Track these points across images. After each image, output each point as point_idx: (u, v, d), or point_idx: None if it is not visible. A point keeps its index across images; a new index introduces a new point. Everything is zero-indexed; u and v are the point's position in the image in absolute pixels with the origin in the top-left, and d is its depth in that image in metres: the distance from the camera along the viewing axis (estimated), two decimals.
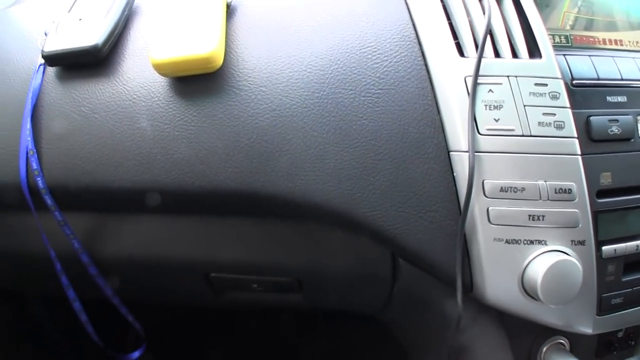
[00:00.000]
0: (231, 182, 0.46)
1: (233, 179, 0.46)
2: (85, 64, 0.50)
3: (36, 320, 0.80)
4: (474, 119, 0.44)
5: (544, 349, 0.53)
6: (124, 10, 0.52)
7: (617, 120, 0.47)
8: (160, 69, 0.46)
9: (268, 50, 0.48)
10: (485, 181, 0.44)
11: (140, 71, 0.50)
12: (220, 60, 0.47)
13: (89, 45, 0.47)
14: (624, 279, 0.49)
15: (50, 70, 0.53)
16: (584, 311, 0.49)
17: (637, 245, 0.49)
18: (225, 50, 0.48)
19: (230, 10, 0.51)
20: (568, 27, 0.52)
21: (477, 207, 0.45)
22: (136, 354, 0.59)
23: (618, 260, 0.49)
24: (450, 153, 0.45)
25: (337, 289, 0.56)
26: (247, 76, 0.47)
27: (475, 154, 0.44)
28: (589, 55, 0.49)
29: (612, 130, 0.47)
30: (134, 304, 0.59)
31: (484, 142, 0.44)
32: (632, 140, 0.48)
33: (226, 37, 0.49)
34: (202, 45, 0.46)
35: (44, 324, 0.81)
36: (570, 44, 0.52)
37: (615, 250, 0.48)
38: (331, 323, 0.91)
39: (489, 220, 0.45)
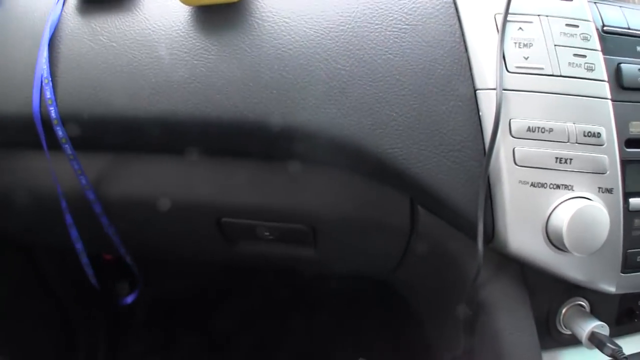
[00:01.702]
0: (249, 113, 0.45)
1: (251, 109, 0.45)
2: None
3: (44, 273, 0.79)
4: (502, 57, 0.43)
5: (564, 310, 0.51)
6: None
7: None
8: None
9: None
10: (512, 120, 0.43)
11: (162, 1, 0.49)
12: None
13: None
14: None
15: (71, 2, 0.52)
16: (609, 267, 0.47)
17: None
18: None
19: None
20: None
21: (503, 147, 0.43)
22: (131, 298, 0.57)
23: None
24: (477, 91, 0.44)
25: (351, 241, 0.54)
26: (272, 7, 0.47)
27: (503, 92, 0.43)
28: (620, 6, 0.48)
29: None
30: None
31: (512, 80, 0.43)
32: None
33: None
34: None
35: (51, 277, 0.79)
36: None
37: None
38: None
39: (514, 162, 0.43)
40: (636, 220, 0.46)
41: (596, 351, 0.47)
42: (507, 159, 0.43)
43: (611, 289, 0.48)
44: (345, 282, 0.83)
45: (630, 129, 0.45)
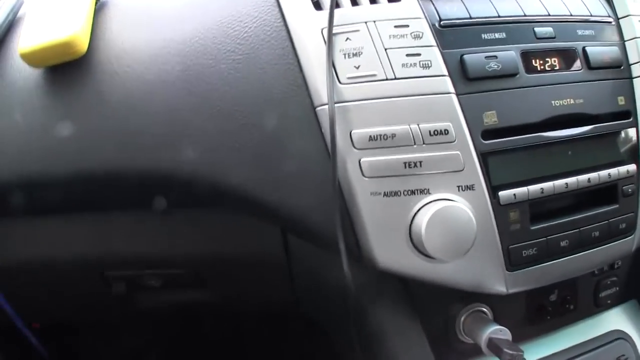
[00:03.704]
0: (97, 165, 0.45)
1: (100, 161, 0.45)
2: None
3: None
4: (333, 69, 0.42)
5: (462, 319, 0.48)
6: (9, 12, 0.52)
7: (495, 57, 0.44)
8: (28, 58, 0.46)
9: (132, 34, 0.48)
10: (353, 132, 0.42)
11: (18, 67, 0.49)
12: (83, 45, 0.46)
13: None
14: (533, 228, 0.45)
15: None
16: (491, 266, 0.44)
17: (542, 189, 0.44)
18: (93, 37, 0.48)
19: (99, 4, 0.51)
20: None
21: (349, 161, 0.42)
22: None
23: (521, 207, 0.44)
24: (316, 109, 0.43)
25: (239, 280, 0.53)
26: (112, 57, 0.47)
27: (340, 104, 0.42)
28: None
29: (490, 67, 0.44)
30: None
31: (346, 92, 0.42)
32: (517, 75, 0.45)
33: (94, 27, 0.49)
34: (64, 31, 0.46)
35: None
36: None
37: (514, 195, 0.44)
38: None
39: (362, 174, 0.42)
40: (511, 213, 0.44)
41: None
42: (355, 172, 0.42)
43: (501, 289, 0.45)
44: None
45: (485, 120, 0.43)
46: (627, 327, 0.55)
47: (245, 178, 0.43)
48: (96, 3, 0.50)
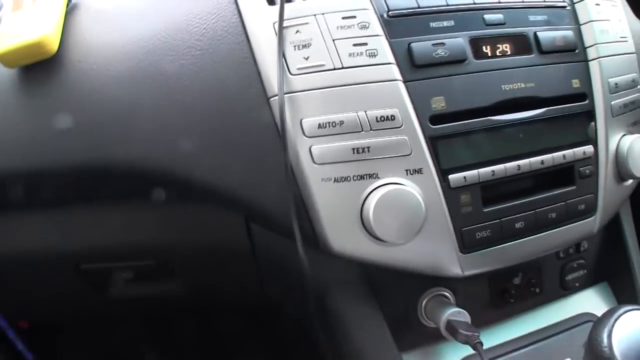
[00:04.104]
0: (67, 157, 0.47)
1: (68, 153, 0.47)
2: None
3: None
4: (284, 61, 0.44)
5: (424, 303, 0.49)
6: None
7: (443, 44, 0.45)
8: (2, 59, 0.48)
9: (100, 33, 0.50)
10: (303, 120, 0.43)
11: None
12: (53, 45, 0.48)
13: None
14: (486, 210, 0.46)
15: None
16: (445, 249, 0.45)
17: (493, 171, 0.45)
18: (64, 37, 0.50)
19: (70, 6, 0.53)
20: None
21: (300, 148, 0.43)
22: None
23: (472, 189, 0.45)
24: (269, 99, 0.44)
25: (207, 270, 0.54)
26: (81, 56, 0.49)
27: (290, 94, 0.43)
28: None
29: (437, 54, 0.45)
30: None
31: (296, 82, 0.44)
32: (466, 61, 0.46)
33: (65, 27, 0.51)
34: (35, 32, 0.48)
35: None
36: None
37: (465, 178, 0.45)
38: None
39: (313, 160, 0.43)
40: (462, 196, 0.45)
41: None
42: (306, 159, 0.43)
43: (457, 271, 0.46)
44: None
45: (433, 105, 0.45)
46: (597, 310, 0.55)
47: (205, 168, 0.45)
48: (67, 5, 0.53)
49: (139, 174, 0.47)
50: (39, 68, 0.49)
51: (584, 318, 0.54)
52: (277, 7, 0.45)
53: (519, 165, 0.46)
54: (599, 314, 0.52)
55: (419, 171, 0.44)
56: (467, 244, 0.45)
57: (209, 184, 0.45)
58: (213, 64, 0.46)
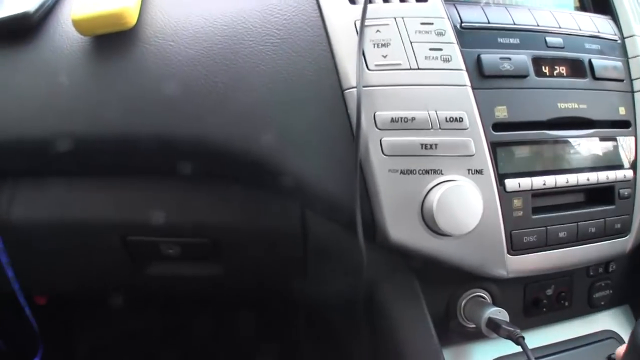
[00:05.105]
0: (137, 128, 0.49)
1: (138, 125, 0.49)
2: (16, 31, 0.54)
3: None
4: (362, 57, 0.47)
5: (463, 303, 0.51)
6: None
7: (509, 58, 0.49)
8: (79, 25, 0.50)
9: (180, 10, 0.52)
10: (376, 113, 0.46)
11: (65, 34, 0.53)
12: (132, 18, 0.51)
13: (19, 13, 0.52)
14: (534, 217, 0.48)
15: None
16: (494, 249, 0.48)
17: (544, 181, 0.48)
18: (142, 12, 0.52)
19: None
20: None
21: (371, 139, 0.46)
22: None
23: (525, 196, 0.48)
24: (344, 91, 0.47)
25: (254, 253, 0.56)
26: (158, 32, 0.51)
27: (366, 88, 0.46)
28: (481, 5, 0.52)
29: (504, 67, 0.48)
30: None
31: (373, 77, 0.46)
32: (528, 77, 0.49)
33: (144, 2, 0.53)
34: (116, 2, 0.50)
35: None
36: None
37: (519, 184, 0.48)
38: None
39: (382, 152, 0.46)
40: (515, 201, 0.48)
41: (504, 342, 0.47)
42: (376, 150, 0.46)
43: (502, 272, 0.48)
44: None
45: (496, 114, 0.48)
46: (618, 328, 0.58)
47: (274, 149, 0.47)
48: None
49: (204, 149, 0.49)
50: (114, 39, 0.51)
51: (607, 334, 0.57)
52: (359, 7, 0.48)
53: (567, 179, 0.49)
54: (620, 333, 0.56)
55: (479, 172, 0.46)
56: (515, 247, 0.48)
57: (276, 164, 0.47)
58: (291, 53, 0.49)
